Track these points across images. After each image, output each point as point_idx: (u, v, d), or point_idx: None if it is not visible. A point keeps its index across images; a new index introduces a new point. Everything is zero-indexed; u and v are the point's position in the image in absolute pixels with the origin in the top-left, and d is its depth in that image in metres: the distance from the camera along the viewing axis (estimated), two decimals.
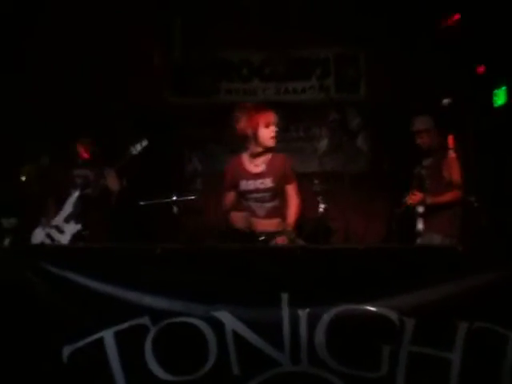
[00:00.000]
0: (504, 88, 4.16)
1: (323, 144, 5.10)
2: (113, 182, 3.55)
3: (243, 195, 3.06)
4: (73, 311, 2.21)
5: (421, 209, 3.35)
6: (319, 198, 4.02)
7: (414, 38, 4.39)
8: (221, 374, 2.16)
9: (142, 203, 3.51)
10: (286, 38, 4.78)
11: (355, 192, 4.27)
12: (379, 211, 4.53)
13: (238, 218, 2.97)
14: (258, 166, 3.03)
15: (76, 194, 3.47)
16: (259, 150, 3.02)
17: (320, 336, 2.12)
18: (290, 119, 5.14)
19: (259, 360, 2.15)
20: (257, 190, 2.99)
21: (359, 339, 2.13)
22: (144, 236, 3.66)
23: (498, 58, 4.04)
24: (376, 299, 2.13)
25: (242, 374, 2.15)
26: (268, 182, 2.98)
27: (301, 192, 4.25)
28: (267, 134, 2.98)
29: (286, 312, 2.14)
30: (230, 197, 3.12)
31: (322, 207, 3.96)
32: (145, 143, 3.41)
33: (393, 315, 2.10)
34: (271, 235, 2.94)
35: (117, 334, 2.17)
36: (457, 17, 3.89)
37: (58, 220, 3.42)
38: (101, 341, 2.18)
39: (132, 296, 2.18)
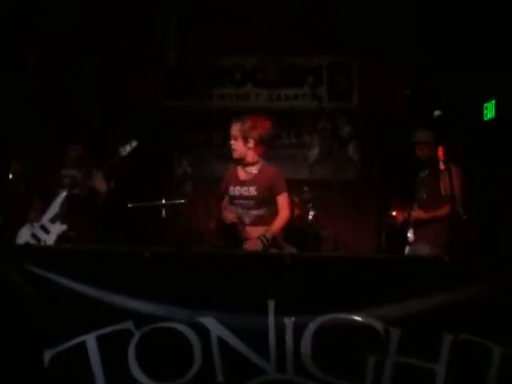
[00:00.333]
0: (493, 102, 4.21)
1: (314, 152, 5.12)
2: (100, 184, 3.52)
3: (231, 200, 3.13)
4: (55, 314, 2.17)
5: (410, 220, 3.38)
6: (309, 206, 4.03)
7: (407, 48, 4.43)
8: (205, 380, 2.13)
9: (130, 205, 3.47)
10: (279, 45, 4.81)
11: (345, 200, 4.28)
12: (369, 220, 4.55)
13: (228, 211, 3.03)
14: (247, 173, 3.11)
15: (63, 194, 3.42)
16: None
17: (306, 345, 2.11)
18: (282, 126, 5.16)
19: (244, 367, 2.12)
20: (241, 197, 3.06)
21: (345, 349, 2.12)
22: (132, 239, 3.62)
23: (488, 71, 4.10)
24: (362, 309, 2.12)
25: (227, 381, 2.13)
26: (252, 190, 3.04)
27: (291, 199, 4.31)
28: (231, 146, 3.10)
29: (272, 319, 2.13)
30: (226, 201, 3.19)
31: (311, 215, 3.97)
32: (134, 144, 3.38)
33: (378, 325, 2.10)
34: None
35: (99, 339, 2.14)
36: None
37: (44, 220, 3.37)
38: (83, 345, 2.14)
39: (116, 300, 2.15)
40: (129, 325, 2.14)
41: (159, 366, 2.14)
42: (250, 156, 3.08)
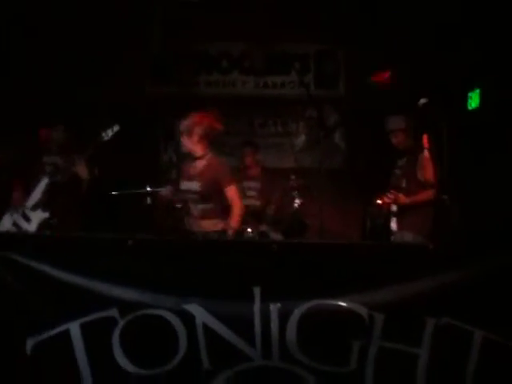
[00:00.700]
0: (478, 91, 4.25)
1: (300, 140, 5.11)
2: (82, 170, 3.46)
3: (183, 195, 3.18)
4: (38, 302, 2.15)
5: (394, 208, 3.40)
6: (295, 194, 4.03)
7: (393, 36, 4.43)
8: (190, 367, 2.14)
9: (114, 193, 3.43)
10: (266, 32, 4.75)
11: (331, 188, 4.28)
12: (354, 208, 4.56)
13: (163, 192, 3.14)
14: (194, 168, 3.19)
15: (45, 181, 3.36)
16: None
17: (291, 331, 2.12)
18: (269, 114, 5.13)
19: (230, 354, 2.14)
20: (189, 191, 3.13)
21: (329, 334, 2.14)
22: (116, 226, 3.58)
23: (473, 61, 4.12)
24: (346, 294, 2.14)
25: (212, 367, 2.14)
26: (196, 185, 3.12)
27: (277, 187, 4.32)
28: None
29: (257, 306, 2.14)
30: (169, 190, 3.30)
31: (297, 202, 3.97)
32: (116, 128, 3.32)
33: (363, 310, 2.12)
34: (206, 235, 3.04)
35: (83, 326, 2.12)
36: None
37: (26, 208, 3.31)
38: (66, 333, 2.12)
39: (100, 287, 2.14)
40: (113, 312, 2.13)
41: (144, 353, 2.14)
42: (198, 150, 3.16)
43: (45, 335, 2.12)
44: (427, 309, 2.14)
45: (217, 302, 2.15)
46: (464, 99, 4.33)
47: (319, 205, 3.70)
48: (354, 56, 4.86)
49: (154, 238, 2.45)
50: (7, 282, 2.15)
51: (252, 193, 4.29)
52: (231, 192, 3.10)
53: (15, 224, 3.28)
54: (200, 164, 3.17)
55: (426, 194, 3.34)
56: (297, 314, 2.13)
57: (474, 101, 4.30)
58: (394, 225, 3.34)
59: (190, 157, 3.23)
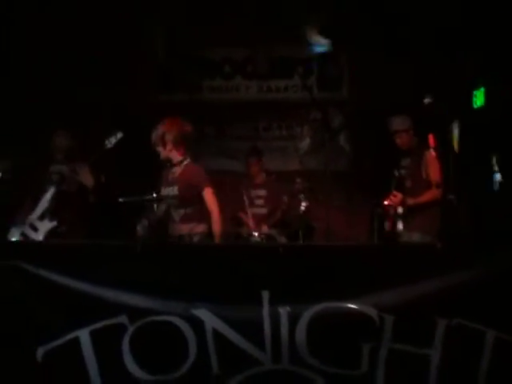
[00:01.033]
0: (483, 90, 4.23)
1: (305, 143, 5.11)
2: (86, 178, 3.47)
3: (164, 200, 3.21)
4: (48, 310, 2.15)
5: (400, 209, 3.37)
6: (301, 197, 4.03)
7: (396, 37, 4.42)
8: (201, 373, 2.13)
9: (121, 200, 3.44)
10: (268, 36, 4.77)
11: (337, 191, 4.28)
12: (360, 210, 4.55)
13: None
14: (172, 174, 3.24)
15: (51, 190, 3.37)
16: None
17: (301, 334, 2.12)
18: (273, 118, 5.14)
19: (240, 359, 2.13)
20: (168, 197, 3.16)
21: (339, 337, 2.13)
22: (123, 233, 3.59)
23: (478, 59, 4.11)
24: (356, 296, 2.13)
25: (223, 372, 2.13)
26: (175, 190, 3.16)
27: (283, 191, 4.31)
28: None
29: (266, 310, 2.13)
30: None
31: (303, 205, 3.97)
32: (119, 136, 3.33)
33: (372, 312, 2.11)
34: (185, 239, 3.06)
35: (93, 333, 2.13)
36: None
37: (33, 218, 3.32)
38: (76, 340, 2.13)
39: (109, 294, 2.14)
40: (122, 319, 2.13)
41: (154, 360, 2.14)
42: (174, 157, 3.22)
43: (55, 343, 2.13)
44: (438, 309, 2.12)
45: (225, 306, 2.14)
46: (469, 98, 4.31)
47: (326, 207, 3.70)
48: (356, 57, 4.86)
49: (161, 243, 2.45)
50: (17, 291, 2.16)
51: (259, 201, 4.31)
52: (208, 196, 3.14)
53: (23, 234, 3.30)
54: (177, 170, 3.22)
55: (432, 194, 3.32)
56: (306, 316, 2.12)
57: (479, 99, 4.28)
58: (400, 226, 3.31)
59: (169, 164, 3.27)
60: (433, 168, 3.31)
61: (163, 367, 2.14)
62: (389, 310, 2.11)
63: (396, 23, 4.39)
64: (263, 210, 4.29)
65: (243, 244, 2.92)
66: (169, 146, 3.18)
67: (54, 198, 3.35)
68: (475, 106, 4.29)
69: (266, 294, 2.14)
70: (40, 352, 2.13)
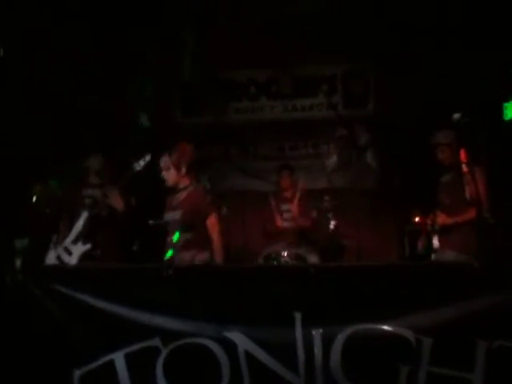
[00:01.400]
0: None
1: (332, 161, 5.09)
2: (116, 201, 3.52)
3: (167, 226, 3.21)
4: (83, 333, 2.19)
5: (437, 226, 3.28)
6: (329, 215, 4.00)
7: (422, 52, 4.39)
8: None
9: (151, 222, 3.49)
10: (291, 56, 4.81)
11: (366, 208, 4.23)
12: (390, 227, 4.48)
13: None
14: (177, 199, 3.24)
15: (84, 214, 3.45)
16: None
17: (335, 357, 2.07)
18: (299, 136, 5.15)
19: (273, 381, 2.10)
20: (170, 222, 3.17)
21: (375, 360, 2.07)
22: (155, 256, 3.63)
23: (508, 71, 4.03)
24: (391, 318, 2.08)
25: None
26: (177, 215, 3.14)
27: (310, 209, 4.29)
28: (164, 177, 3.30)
29: (299, 332, 2.10)
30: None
31: (332, 224, 3.93)
32: (148, 158, 3.39)
33: (409, 334, 2.05)
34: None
35: (127, 356, 2.14)
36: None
37: (67, 241, 3.41)
38: (111, 363, 2.14)
39: (143, 317, 2.16)
40: (156, 342, 2.14)
41: (187, 383, 2.13)
42: (182, 182, 3.23)
43: (91, 366, 2.15)
44: (478, 331, 2.05)
45: (258, 328, 2.13)
46: (499, 110, 4.22)
47: (355, 225, 3.65)
48: (382, 74, 4.85)
49: (194, 266, 2.46)
50: (53, 314, 2.20)
51: (288, 215, 4.29)
52: (210, 222, 3.14)
53: (58, 258, 3.37)
54: (183, 194, 3.23)
55: (471, 213, 3.19)
56: (340, 339, 2.08)
57: (510, 111, 4.18)
58: (436, 243, 3.22)
59: (175, 189, 3.27)
60: (481, 186, 3.17)
61: None
62: (426, 331, 2.05)
63: (422, 37, 4.36)
64: (292, 224, 4.27)
65: (274, 265, 2.89)
66: (183, 171, 3.20)
67: (87, 222, 3.43)
68: (506, 119, 4.20)
69: (298, 316, 2.11)
70: (76, 375, 2.15)
